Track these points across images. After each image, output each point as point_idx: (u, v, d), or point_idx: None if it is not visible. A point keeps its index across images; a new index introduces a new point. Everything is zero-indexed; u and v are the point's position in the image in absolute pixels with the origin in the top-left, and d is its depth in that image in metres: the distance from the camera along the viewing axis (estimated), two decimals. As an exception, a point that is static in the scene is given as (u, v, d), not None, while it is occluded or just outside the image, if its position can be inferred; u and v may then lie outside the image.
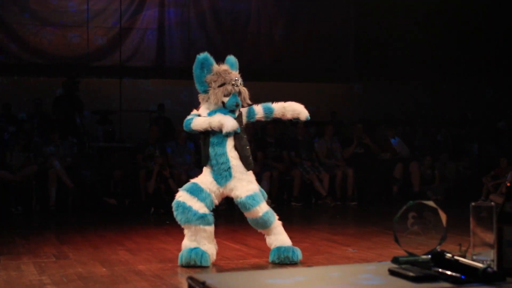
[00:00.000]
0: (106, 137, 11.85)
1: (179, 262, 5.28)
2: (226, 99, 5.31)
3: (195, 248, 5.24)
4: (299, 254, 5.35)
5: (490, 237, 2.19)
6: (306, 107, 5.53)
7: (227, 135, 5.27)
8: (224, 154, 5.34)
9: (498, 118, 13.50)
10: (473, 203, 2.25)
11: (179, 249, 6.13)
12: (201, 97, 5.43)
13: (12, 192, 9.69)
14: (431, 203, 2.39)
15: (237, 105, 5.33)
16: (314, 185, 10.85)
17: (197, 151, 10.80)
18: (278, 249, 5.34)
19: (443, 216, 2.37)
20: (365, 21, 14.93)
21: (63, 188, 9.89)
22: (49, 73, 13.33)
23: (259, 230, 5.41)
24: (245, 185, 5.32)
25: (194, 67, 5.38)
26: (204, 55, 5.38)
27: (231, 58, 5.58)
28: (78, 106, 12.17)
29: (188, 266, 5.19)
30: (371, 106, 14.76)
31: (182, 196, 5.25)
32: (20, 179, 9.66)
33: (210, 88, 5.33)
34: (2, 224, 8.66)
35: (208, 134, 5.36)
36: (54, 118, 11.86)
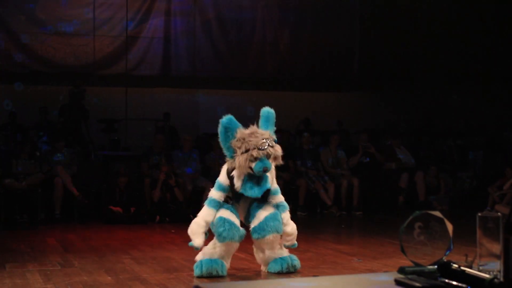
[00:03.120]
0: (112, 146, 11.87)
1: (197, 272, 5.19)
2: (253, 164, 4.97)
3: (215, 259, 5.22)
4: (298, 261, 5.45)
5: (497, 248, 2.18)
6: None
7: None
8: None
9: (504, 128, 13.47)
10: (479, 214, 2.24)
11: (184, 258, 6.13)
12: (229, 162, 5.18)
13: (18, 200, 9.70)
14: (437, 213, 2.39)
15: (265, 170, 5.00)
16: (320, 195, 10.84)
17: (202, 159, 10.81)
18: (282, 259, 5.35)
19: (449, 226, 2.37)
20: (370, 31, 14.95)
21: (68, 196, 9.91)
22: (55, 81, 13.37)
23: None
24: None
25: (219, 132, 5.11)
26: (227, 118, 5.08)
27: (265, 111, 5.24)
28: (84, 115, 12.21)
29: (209, 276, 5.13)
30: (377, 115, 14.75)
31: (225, 213, 5.20)
32: (26, 187, 9.67)
33: (236, 154, 5.03)
34: (7, 232, 8.68)
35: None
36: (60, 126, 11.89)
